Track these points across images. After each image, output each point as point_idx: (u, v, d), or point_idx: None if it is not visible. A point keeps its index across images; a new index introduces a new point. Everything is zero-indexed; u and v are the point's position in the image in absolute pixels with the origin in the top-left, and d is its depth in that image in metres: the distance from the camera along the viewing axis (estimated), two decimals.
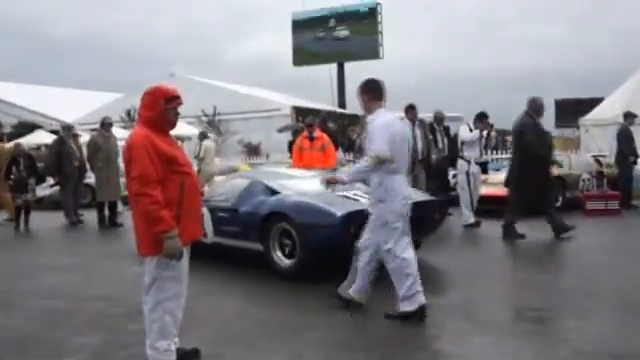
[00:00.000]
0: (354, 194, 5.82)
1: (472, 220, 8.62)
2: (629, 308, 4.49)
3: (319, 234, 5.45)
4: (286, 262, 5.72)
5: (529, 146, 7.45)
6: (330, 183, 4.47)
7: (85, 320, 4.57)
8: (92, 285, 5.76)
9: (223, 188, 7.08)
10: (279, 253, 5.79)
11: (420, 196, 6.15)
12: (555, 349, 3.66)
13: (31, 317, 4.78)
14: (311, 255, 5.55)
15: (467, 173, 8.71)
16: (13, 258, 7.80)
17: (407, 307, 4.19)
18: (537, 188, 7.47)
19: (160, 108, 3.28)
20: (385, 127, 4.24)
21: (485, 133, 8.98)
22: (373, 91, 4.37)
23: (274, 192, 6.19)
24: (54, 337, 4.21)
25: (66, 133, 10.88)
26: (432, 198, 6.55)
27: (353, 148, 11.86)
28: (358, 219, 4.93)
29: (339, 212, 5.36)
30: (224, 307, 4.90)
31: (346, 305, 4.52)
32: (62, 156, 10.46)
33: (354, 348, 3.84)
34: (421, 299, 4.20)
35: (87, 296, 5.29)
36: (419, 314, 4.17)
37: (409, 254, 4.25)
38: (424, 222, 5.52)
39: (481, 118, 8.88)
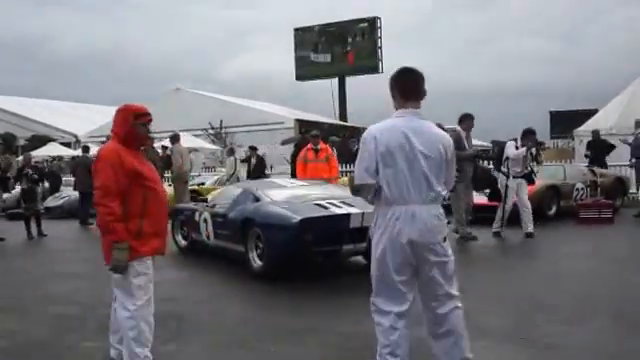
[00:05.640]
0: (330, 202, 6.14)
1: (498, 230, 8.73)
2: (622, 315, 4.59)
3: (278, 236, 5.93)
4: (258, 263, 6.22)
5: None
6: None
7: (96, 326, 4.64)
8: (103, 292, 5.84)
9: (222, 195, 7.80)
10: (254, 254, 6.28)
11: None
12: (543, 354, 3.79)
13: (42, 323, 4.90)
14: (274, 256, 6.02)
15: (506, 186, 8.72)
16: (25, 265, 8.00)
17: None
18: None
19: (129, 124, 3.46)
20: (370, 140, 2.99)
21: (534, 150, 8.84)
22: (395, 87, 3.11)
23: (258, 200, 6.65)
24: (65, 342, 4.33)
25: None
26: None
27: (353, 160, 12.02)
28: (318, 225, 5.37)
29: (295, 217, 5.76)
30: (228, 312, 5.05)
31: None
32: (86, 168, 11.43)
33: (357, 350, 3.92)
34: None
35: (98, 303, 5.33)
36: None
37: (383, 319, 3.05)
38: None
39: (527, 135, 8.85)
